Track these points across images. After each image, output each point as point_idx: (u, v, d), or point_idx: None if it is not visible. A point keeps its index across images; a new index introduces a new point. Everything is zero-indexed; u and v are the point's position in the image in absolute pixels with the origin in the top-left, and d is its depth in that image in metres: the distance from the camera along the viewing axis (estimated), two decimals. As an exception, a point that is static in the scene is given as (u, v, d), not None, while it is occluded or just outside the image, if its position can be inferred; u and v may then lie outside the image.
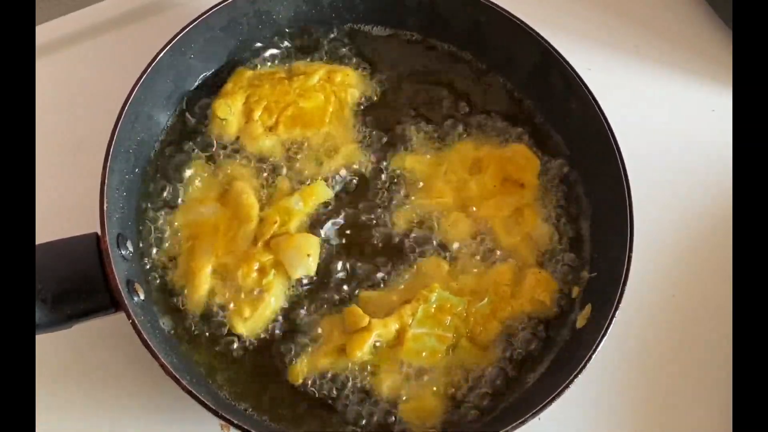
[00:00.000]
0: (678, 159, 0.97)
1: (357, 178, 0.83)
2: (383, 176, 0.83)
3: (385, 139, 0.85)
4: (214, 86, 0.86)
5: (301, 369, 0.73)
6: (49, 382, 0.77)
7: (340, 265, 0.78)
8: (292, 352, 0.74)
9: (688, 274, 0.89)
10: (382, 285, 0.78)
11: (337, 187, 0.82)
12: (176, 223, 0.78)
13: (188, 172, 0.81)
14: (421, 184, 0.83)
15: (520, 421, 0.66)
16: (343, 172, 0.83)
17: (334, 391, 0.73)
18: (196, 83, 0.86)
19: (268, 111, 0.83)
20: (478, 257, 0.80)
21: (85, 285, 0.66)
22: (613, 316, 0.70)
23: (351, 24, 0.92)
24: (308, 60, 0.89)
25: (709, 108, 1.01)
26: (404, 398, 0.73)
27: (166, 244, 0.77)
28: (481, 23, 0.87)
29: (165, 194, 0.80)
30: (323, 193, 0.80)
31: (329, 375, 0.73)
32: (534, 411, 0.66)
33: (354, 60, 0.90)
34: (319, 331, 0.75)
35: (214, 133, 0.83)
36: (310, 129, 0.84)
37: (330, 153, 0.83)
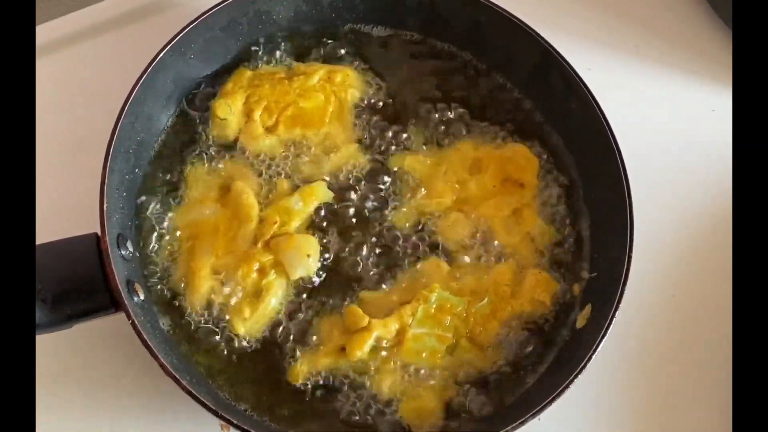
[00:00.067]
0: (678, 159, 0.97)
1: (357, 178, 0.83)
2: (383, 176, 0.83)
3: (384, 139, 0.85)
4: (214, 86, 0.86)
5: (301, 369, 0.73)
6: (49, 382, 0.77)
7: (339, 265, 0.78)
8: (292, 353, 0.74)
9: (688, 274, 0.89)
10: (382, 285, 0.78)
11: (337, 188, 0.82)
12: (176, 223, 0.78)
13: (188, 172, 0.81)
14: (421, 184, 0.83)
15: (520, 421, 0.66)
16: (343, 172, 0.83)
17: (334, 392, 0.73)
18: (196, 83, 0.86)
19: (268, 111, 0.83)
20: (478, 257, 0.80)
21: (85, 285, 0.66)
22: (613, 316, 0.70)
23: (351, 24, 0.92)
24: (308, 60, 0.89)
25: (709, 108, 1.01)
26: (404, 398, 0.73)
27: (167, 245, 0.77)
28: (481, 23, 0.87)
29: (165, 194, 0.80)
30: (323, 193, 0.80)
31: (329, 375, 0.73)
32: (534, 411, 0.66)
33: (354, 60, 0.90)
34: (319, 331, 0.75)
35: (214, 133, 0.83)
36: (310, 129, 0.84)
37: (330, 153, 0.83)
